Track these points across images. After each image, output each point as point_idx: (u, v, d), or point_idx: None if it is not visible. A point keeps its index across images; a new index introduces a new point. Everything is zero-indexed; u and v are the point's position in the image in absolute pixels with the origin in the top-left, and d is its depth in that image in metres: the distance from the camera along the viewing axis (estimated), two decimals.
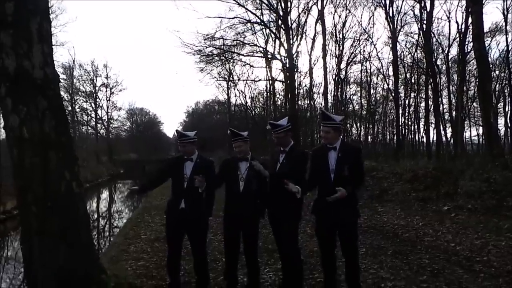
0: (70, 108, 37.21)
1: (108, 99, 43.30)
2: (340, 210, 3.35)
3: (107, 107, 43.49)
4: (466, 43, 18.92)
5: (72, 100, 38.69)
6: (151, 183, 4.08)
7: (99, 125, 43.56)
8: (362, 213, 6.44)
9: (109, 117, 44.06)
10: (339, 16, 32.38)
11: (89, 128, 43.64)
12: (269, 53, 23.17)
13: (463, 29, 18.84)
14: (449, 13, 21.95)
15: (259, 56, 23.40)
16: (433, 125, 20.67)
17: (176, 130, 4.10)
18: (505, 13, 21.21)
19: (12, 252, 9.37)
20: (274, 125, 3.75)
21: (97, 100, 42.67)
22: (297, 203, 3.59)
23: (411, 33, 23.56)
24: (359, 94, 29.47)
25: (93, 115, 42.87)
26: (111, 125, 44.88)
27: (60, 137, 3.24)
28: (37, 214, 3.12)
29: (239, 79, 29.99)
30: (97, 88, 42.45)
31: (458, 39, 19.80)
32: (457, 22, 20.52)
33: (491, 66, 17.09)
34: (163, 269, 4.66)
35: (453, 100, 22.33)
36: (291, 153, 3.71)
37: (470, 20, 15.00)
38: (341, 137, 3.58)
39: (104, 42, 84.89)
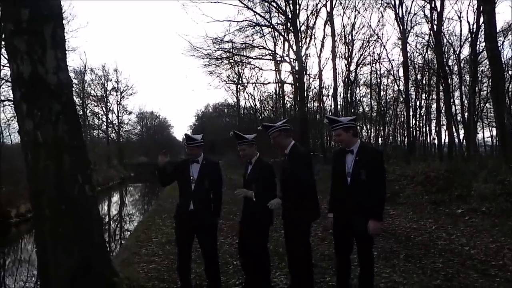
0: (81, 113, 37.69)
1: (118, 103, 43.83)
2: (357, 214, 3.28)
3: (118, 111, 44.01)
4: (478, 43, 18.63)
5: (83, 104, 39.19)
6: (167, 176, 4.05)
7: (110, 129, 44.04)
8: None
9: (119, 121, 44.54)
10: (348, 18, 32.24)
11: (100, 132, 44.12)
12: (278, 56, 23.17)
13: (474, 29, 18.58)
14: (460, 13, 21.77)
15: (268, 59, 23.41)
16: (444, 127, 20.47)
17: (185, 134, 4.10)
18: None
19: (25, 255, 9.51)
20: (266, 127, 3.69)
21: (108, 104, 43.22)
22: (308, 206, 3.56)
23: (422, 33, 23.44)
24: (369, 96, 29.22)
25: (104, 119, 43.37)
26: (121, 128, 45.34)
27: (73, 141, 3.29)
28: (51, 217, 3.17)
29: (248, 82, 30.07)
30: (107, 92, 43.01)
31: (469, 39, 19.54)
32: (468, 22, 20.26)
33: (504, 66, 16.79)
34: (174, 272, 4.66)
35: (465, 101, 21.99)
36: (290, 155, 3.63)
37: (482, 19, 14.79)
38: (359, 139, 3.45)
39: (115, 46, 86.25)
